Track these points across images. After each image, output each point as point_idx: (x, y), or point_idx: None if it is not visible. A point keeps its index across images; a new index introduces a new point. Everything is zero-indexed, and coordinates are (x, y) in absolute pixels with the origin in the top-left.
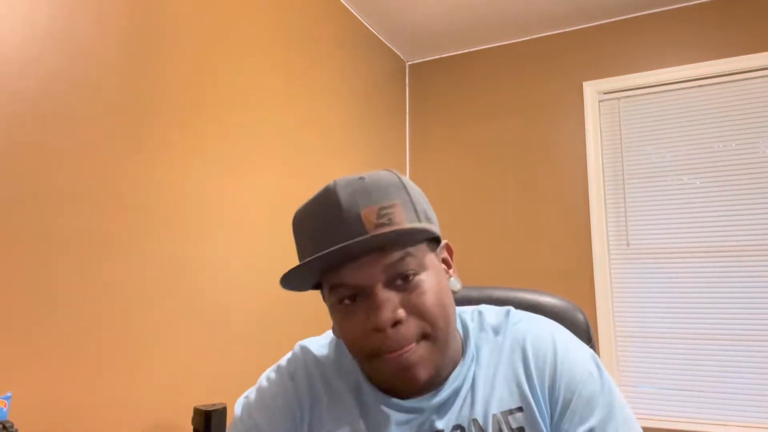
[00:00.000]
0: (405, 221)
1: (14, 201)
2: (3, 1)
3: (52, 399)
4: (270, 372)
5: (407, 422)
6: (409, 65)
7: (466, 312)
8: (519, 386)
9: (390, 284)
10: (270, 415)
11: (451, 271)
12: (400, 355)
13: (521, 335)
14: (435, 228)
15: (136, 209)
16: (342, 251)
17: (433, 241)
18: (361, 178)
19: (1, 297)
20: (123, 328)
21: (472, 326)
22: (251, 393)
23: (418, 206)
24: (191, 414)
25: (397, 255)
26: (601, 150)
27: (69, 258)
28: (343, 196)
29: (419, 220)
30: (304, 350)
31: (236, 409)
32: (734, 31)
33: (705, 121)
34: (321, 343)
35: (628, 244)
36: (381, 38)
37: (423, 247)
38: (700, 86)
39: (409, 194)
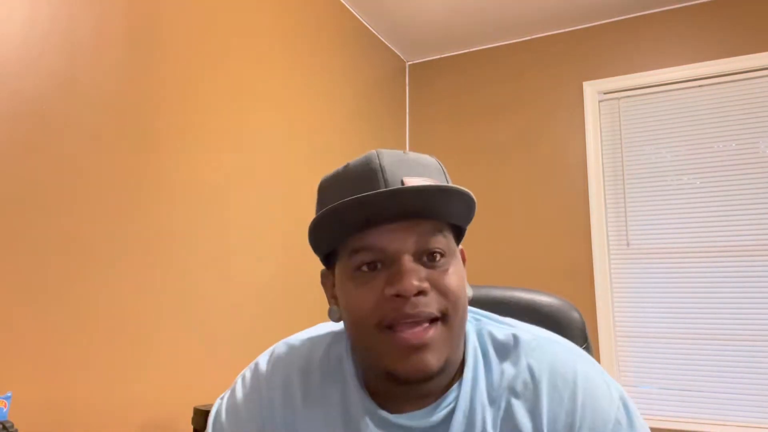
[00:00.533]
0: None
1: (14, 201)
2: (3, 2)
3: (52, 399)
4: (246, 372)
5: None
6: (409, 65)
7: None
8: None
9: (417, 258)
10: (240, 427)
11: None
12: (415, 331)
13: (536, 367)
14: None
15: (136, 209)
16: (392, 195)
17: (457, 237)
18: (404, 152)
19: (1, 297)
20: (123, 328)
21: (472, 340)
22: (225, 396)
23: None
24: (191, 414)
25: (430, 229)
26: (601, 150)
27: (68, 258)
28: (387, 162)
29: None
30: (289, 349)
31: (211, 413)
32: (734, 31)
33: (705, 121)
34: (305, 340)
35: (628, 244)
36: (381, 38)
37: (451, 236)
38: (700, 86)
39: (447, 179)
